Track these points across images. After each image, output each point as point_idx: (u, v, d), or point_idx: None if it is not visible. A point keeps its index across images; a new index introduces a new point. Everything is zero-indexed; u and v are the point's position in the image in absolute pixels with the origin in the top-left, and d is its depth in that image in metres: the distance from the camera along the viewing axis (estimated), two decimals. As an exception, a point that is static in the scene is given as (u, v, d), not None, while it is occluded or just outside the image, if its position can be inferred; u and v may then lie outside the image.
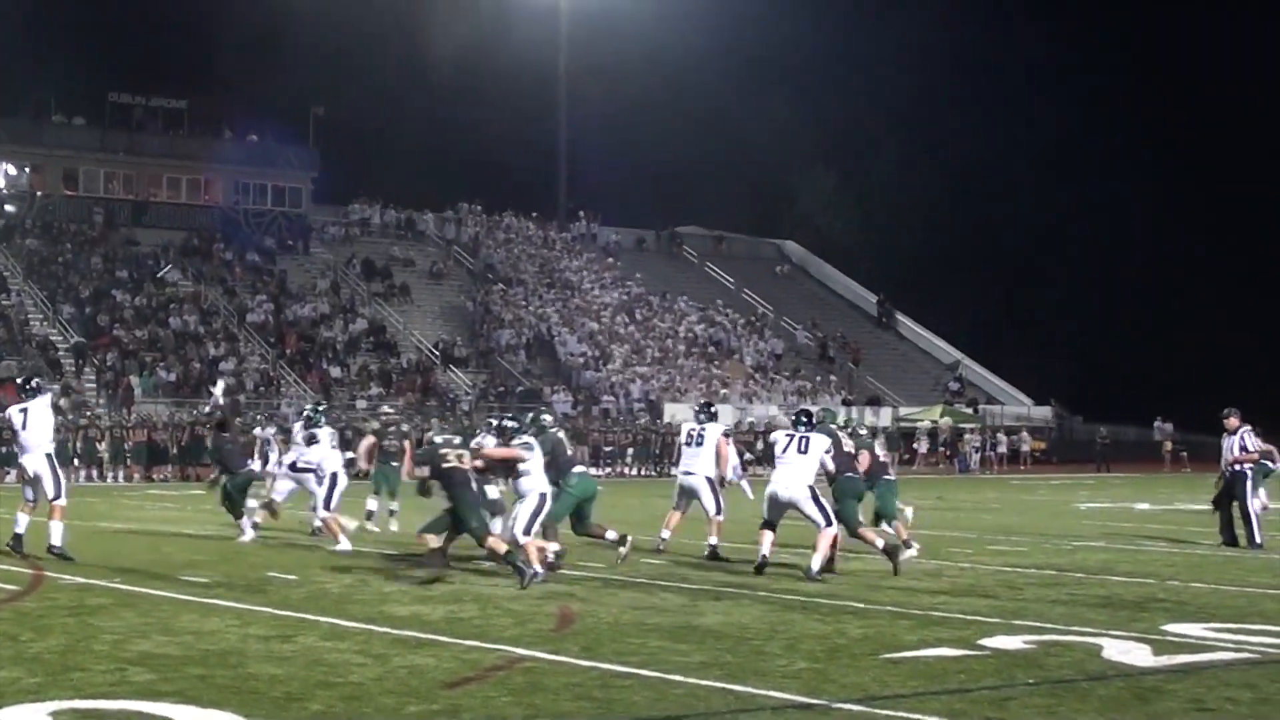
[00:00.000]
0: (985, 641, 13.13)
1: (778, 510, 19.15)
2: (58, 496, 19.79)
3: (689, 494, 21.26)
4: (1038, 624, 14.33)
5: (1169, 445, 67.51)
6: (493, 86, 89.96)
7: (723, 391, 66.08)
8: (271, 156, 74.91)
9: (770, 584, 17.57)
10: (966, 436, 65.19)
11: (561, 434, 20.27)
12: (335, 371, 61.43)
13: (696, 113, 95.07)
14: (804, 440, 19.08)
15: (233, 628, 13.62)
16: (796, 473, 18.94)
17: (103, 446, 47.21)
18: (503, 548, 17.24)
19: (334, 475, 22.56)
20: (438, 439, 18.33)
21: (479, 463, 18.03)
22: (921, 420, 67.22)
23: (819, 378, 72.65)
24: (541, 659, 12.09)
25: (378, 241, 75.55)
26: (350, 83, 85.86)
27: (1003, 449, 65.61)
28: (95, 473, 46.81)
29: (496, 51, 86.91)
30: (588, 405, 62.40)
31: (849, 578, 18.39)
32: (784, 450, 19.14)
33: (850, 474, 19.91)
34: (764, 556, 18.84)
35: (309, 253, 72.50)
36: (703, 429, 21.19)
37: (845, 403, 68.34)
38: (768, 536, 19.06)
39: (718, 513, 20.86)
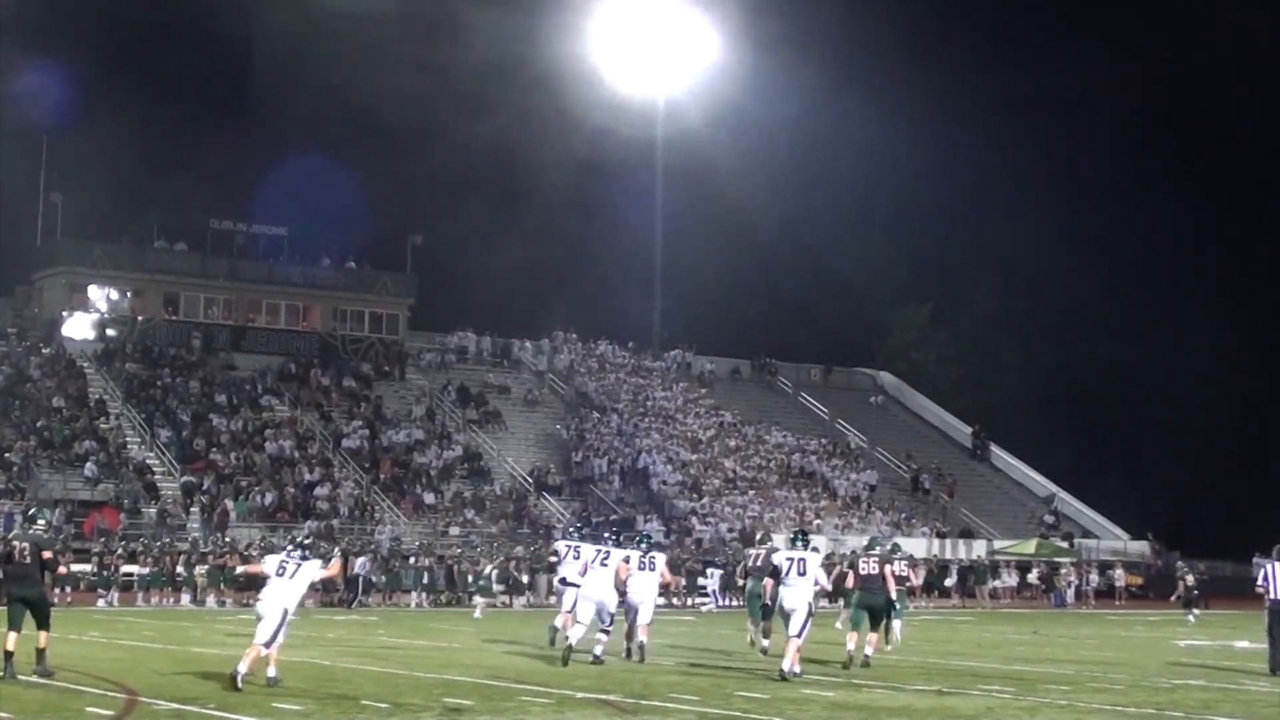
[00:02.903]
0: (1084, 782, 12.96)
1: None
2: None
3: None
4: (1137, 765, 14.15)
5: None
6: (589, 216, 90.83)
7: (815, 523, 65.75)
8: (369, 283, 75.68)
9: (861, 718, 17.42)
10: (1062, 571, 64.50)
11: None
12: (429, 498, 61.62)
13: (791, 245, 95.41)
14: (801, 562, 23.04)
15: (326, 756, 13.63)
16: (801, 591, 22.80)
17: (199, 571, 47.45)
18: None
19: None
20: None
21: None
22: (1015, 553, 66.64)
23: (913, 509, 72.22)
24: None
25: (473, 369, 75.98)
26: (448, 211, 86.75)
27: (1094, 583, 64.69)
28: (190, 597, 46.97)
29: (593, 182, 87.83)
30: (680, 535, 62.29)
31: (950, 716, 18.19)
32: (786, 573, 23.09)
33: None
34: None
35: (405, 379, 73.03)
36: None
37: (939, 535, 67.90)
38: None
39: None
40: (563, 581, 27.94)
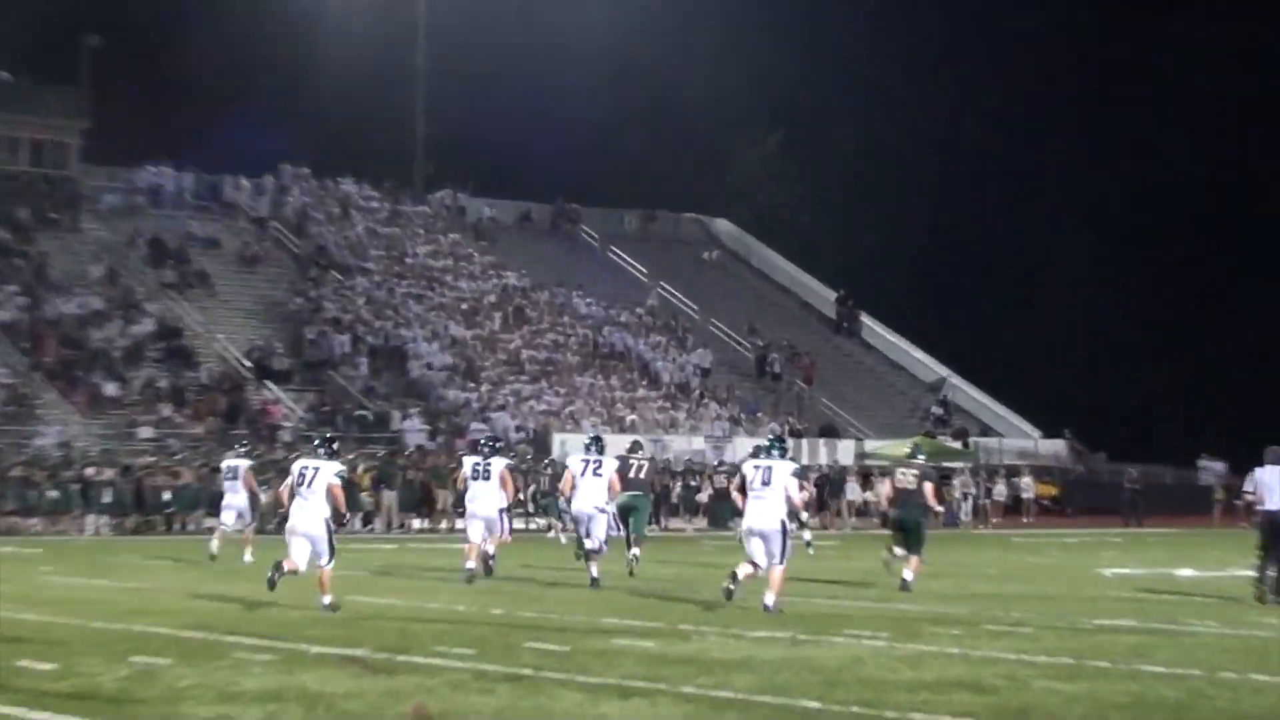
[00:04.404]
0: (982, 754, 13.15)
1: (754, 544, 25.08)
2: None
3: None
4: (1051, 730, 14.37)
5: (1220, 492, 66.97)
6: (326, 10, 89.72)
7: (630, 418, 66.04)
8: (29, 100, 74.27)
9: (695, 676, 17.48)
10: (955, 480, 65.00)
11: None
12: (111, 389, 60.90)
13: (601, 55, 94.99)
14: (767, 471, 24.96)
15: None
16: (768, 506, 24.77)
17: None
18: None
19: None
20: None
21: None
22: (893, 456, 67.42)
23: (759, 399, 72.80)
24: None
25: (171, 215, 75.04)
26: (134, 4, 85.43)
27: (1000, 496, 65.71)
28: None
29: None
30: (450, 436, 62.14)
31: (806, 670, 18.30)
32: (752, 483, 24.97)
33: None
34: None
35: (78, 229, 72.00)
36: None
37: (794, 433, 68.26)
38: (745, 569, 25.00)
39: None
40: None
